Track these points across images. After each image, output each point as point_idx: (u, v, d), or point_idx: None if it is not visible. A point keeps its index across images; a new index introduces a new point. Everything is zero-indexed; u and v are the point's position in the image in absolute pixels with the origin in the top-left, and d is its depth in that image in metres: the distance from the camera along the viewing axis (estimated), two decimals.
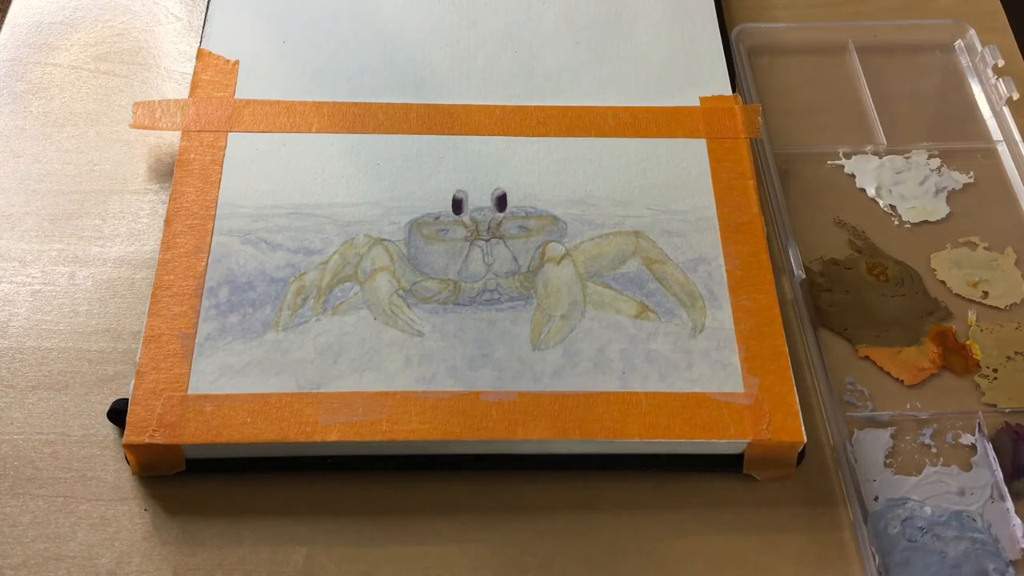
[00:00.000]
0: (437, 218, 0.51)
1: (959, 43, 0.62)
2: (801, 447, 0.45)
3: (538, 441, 0.44)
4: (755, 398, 0.46)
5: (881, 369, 0.49)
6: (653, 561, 0.44)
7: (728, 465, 0.46)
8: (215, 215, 0.50)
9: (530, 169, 0.53)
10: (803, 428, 0.45)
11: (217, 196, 0.51)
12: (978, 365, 0.49)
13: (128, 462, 0.45)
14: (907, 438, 0.47)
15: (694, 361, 0.47)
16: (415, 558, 0.44)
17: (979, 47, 0.60)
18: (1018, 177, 0.56)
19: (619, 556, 0.44)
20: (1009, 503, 0.45)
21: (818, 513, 0.45)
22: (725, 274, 0.49)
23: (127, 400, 0.45)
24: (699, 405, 0.45)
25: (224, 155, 0.52)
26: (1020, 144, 0.56)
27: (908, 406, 0.48)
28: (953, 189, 0.56)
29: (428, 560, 0.44)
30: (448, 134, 0.54)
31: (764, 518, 0.45)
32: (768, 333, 0.48)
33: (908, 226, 0.54)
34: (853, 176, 0.56)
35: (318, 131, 0.54)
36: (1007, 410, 0.48)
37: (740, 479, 0.46)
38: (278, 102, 0.54)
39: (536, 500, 0.45)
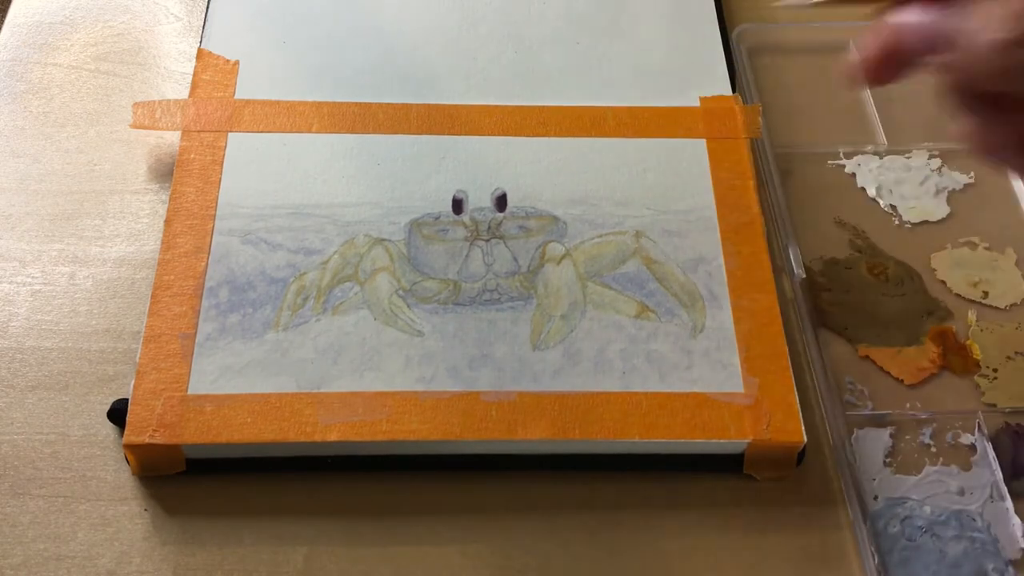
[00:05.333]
0: (437, 218, 0.51)
1: None
2: (801, 447, 0.45)
3: (538, 441, 0.44)
4: (755, 398, 0.46)
5: (881, 369, 0.49)
6: (653, 561, 0.44)
7: (728, 465, 0.46)
8: (215, 215, 0.50)
9: (530, 169, 0.53)
10: (803, 428, 0.45)
11: (217, 196, 0.51)
12: (978, 365, 0.49)
13: (128, 462, 0.45)
14: (907, 438, 0.47)
15: (694, 361, 0.47)
16: (415, 558, 0.44)
17: None
18: (1018, 177, 0.56)
19: (619, 556, 0.44)
20: (1009, 503, 0.45)
21: (818, 513, 0.45)
22: (725, 274, 0.49)
23: (127, 400, 0.45)
24: (699, 405, 0.45)
25: (224, 155, 0.52)
26: None
27: (908, 406, 0.48)
28: (953, 189, 0.56)
29: (428, 560, 0.44)
30: (448, 134, 0.54)
31: (764, 518, 0.45)
32: (768, 333, 0.48)
33: (908, 226, 0.54)
34: (853, 176, 0.56)
35: (318, 131, 0.54)
36: (1007, 410, 0.48)
37: (740, 479, 0.46)
38: (278, 102, 0.54)
39: (536, 500, 0.45)
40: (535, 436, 0.44)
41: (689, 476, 0.46)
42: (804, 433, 0.45)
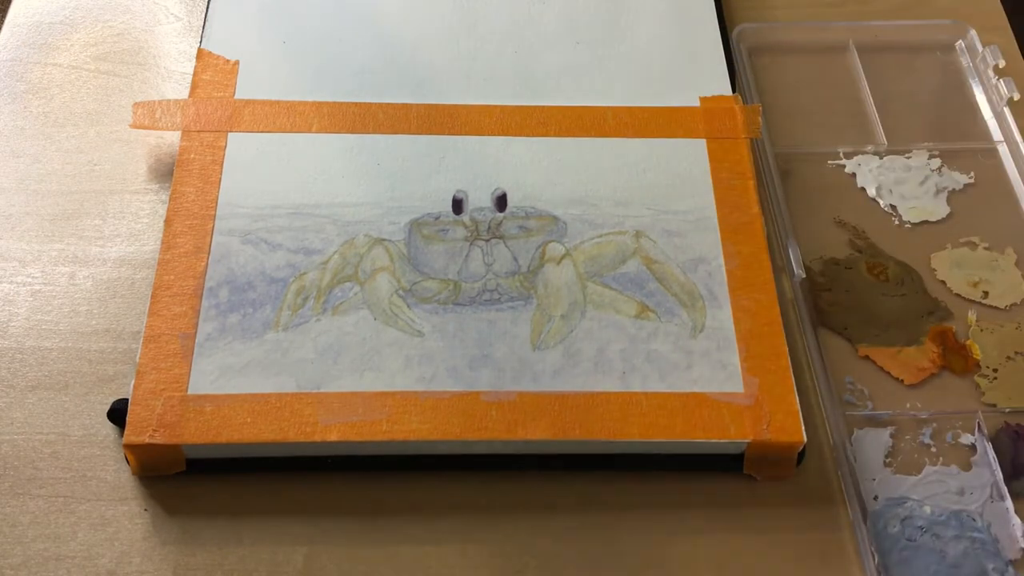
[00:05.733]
0: (437, 218, 0.51)
1: (960, 43, 0.62)
2: (801, 447, 0.45)
3: (538, 441, 0.44)
4: (755, 398, 0.45)
5: (881, 369, 0.49)
6: (653, 561, 0.44)
7: (728, 465, 0.46)
8: (215, 215, 0.50)
9: (530, 169, 0.53)
10: (803, 428, 0.45)
11: (217, 196, 0.51)
12: (978, 365, 0.49)
13: (128, 462, 0.45)
14: (907, 437, 0.47)
15: (694, 361, 0.47)
16: (415, 558, 0.44)
17: (980, 48, 0.60)
18: (1018, 177, 0.56)
19: (619, 556, 0.44)
20: (1008, 503, 0.45)
21: (818, 513, 0.45)
22: (725, 274, 0.49)
23: (127, 400, 0.45)
24: (699, 405, 0.45)
25: (224, 155, 0.52)
26: (1021, 144, 0.56)
27: (908, 406, 0.48)
28: (954, 189, 0.56)
29: (428, 560, 0.44)
30: (448, 134, 0.54)
31: (764, 518, 0.45)
32: (768, 333, 0.48)
33: (908, 226, 0.54)
34: (853, 176, 0.56)
35: (318, 131, 0.54)
36: (1007, 410, 0.48)
37: (740, 479, 0.46)
38: (278, 102, 0.54)
39: (536, 500, 0.45)
40: (535, 436, 0.44)
41: (689, 476, 0.46)
42: (804, 433, 0.45)
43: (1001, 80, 0.58)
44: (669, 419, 0.45)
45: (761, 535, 0.45)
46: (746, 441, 0.45)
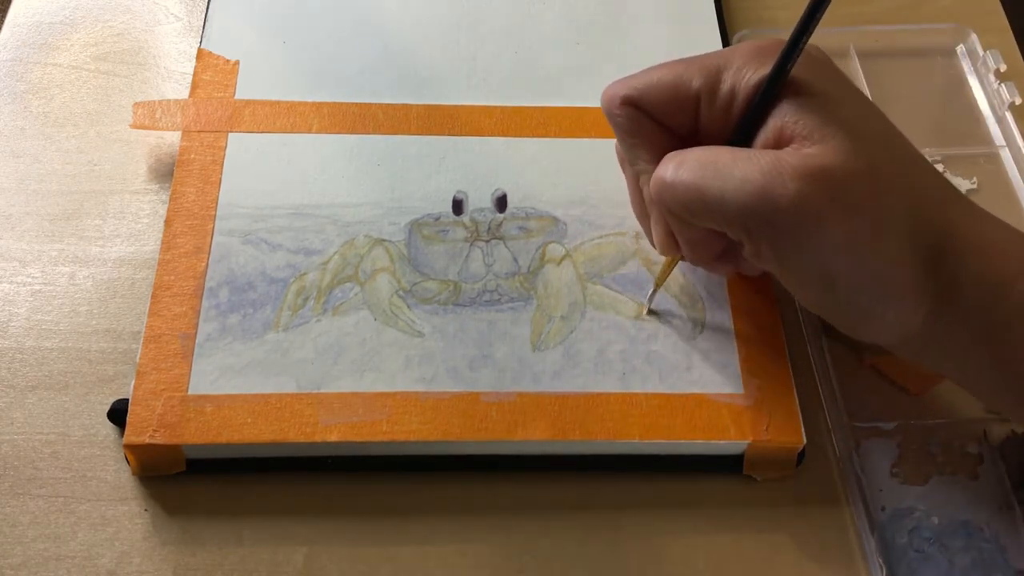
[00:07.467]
0: (437, 219, 0.51)
1: (961, 48, 0.61)
2: (801, 448, 0.45)
3: (538, 442, 0.44)
4: (755, 399, 0.46)
5: (887, 377, 0.49)
6: (653, 561, 0.44)
7: (728, 465, 0.46)
8: (215, 215, 0.50)
9: (530, 170, 0.53)
10: (803, 430, 0.45)
11: (217, 196, 0.51)
12: None
13: (128, 462, 0.45)
14: (913, 447, 0.47)
15: (694, 362, 0.47)
16: (415, 558, 0.44)
17: (981, 52, 0.60)
18: (1021, 182, 0.56)
19: (619, 556, 0.44)
20: (1016, 512, 0.45)
21: (819, 514, 0.45)
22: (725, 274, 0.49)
23: (127, 400, 0.45)
24: (699, 406, 0.45)
25: (224, 155, 0.52)
26: (1023, 149, 0.56)
27: (914, 415, 0.48)
28: None
29: (428, 560, 0.44)
30: (448, 135, 0.54)
31: (764, 519, 0.45)
32: (768, 334, 0.48)
33: None
34: None
35: (318, 131, 0.54)
36: None
37: (740, 479, 0.46)
38: (278, 102, 0.54)
39: (536, 500, 0.45)
40: (535, 437, 0.44)
41: (689, 476, 0.46)
42: (804, 435, 0.45)
43: (1003, 84, 0.58)
44: (669, 420, 0.45)
45: (761, 536, 0.45)
46: (746, 442, 0.45)
